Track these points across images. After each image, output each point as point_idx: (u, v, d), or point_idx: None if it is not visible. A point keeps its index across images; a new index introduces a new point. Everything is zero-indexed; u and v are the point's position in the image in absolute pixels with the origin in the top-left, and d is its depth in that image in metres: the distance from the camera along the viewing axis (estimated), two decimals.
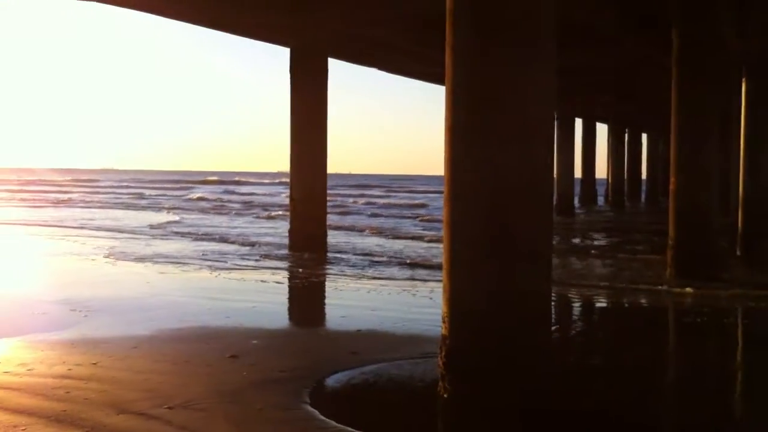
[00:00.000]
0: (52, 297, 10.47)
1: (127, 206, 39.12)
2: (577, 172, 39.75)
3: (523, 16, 5.63)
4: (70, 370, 6.49)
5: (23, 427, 5.00)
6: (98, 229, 23.85)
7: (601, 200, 46.37)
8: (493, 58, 5.61)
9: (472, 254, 5.71)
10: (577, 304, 11.46)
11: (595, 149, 44.14)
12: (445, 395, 5.78)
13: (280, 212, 31.23)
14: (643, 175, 52.72)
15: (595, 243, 21.97)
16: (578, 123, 40.69)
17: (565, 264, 15.69)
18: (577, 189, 39.63)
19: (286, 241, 18.19)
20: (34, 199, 44.12)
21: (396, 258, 16.45)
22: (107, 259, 15.48)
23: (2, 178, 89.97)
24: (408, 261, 15.85)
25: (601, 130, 45.32)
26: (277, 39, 18.29)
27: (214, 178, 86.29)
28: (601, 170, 46.85)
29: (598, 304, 11.73)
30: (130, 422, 5.18)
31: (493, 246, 5.62)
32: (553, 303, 8.52)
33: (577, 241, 22.32)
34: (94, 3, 14.74)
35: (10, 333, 8.04)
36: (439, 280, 12.00)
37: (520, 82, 5.63)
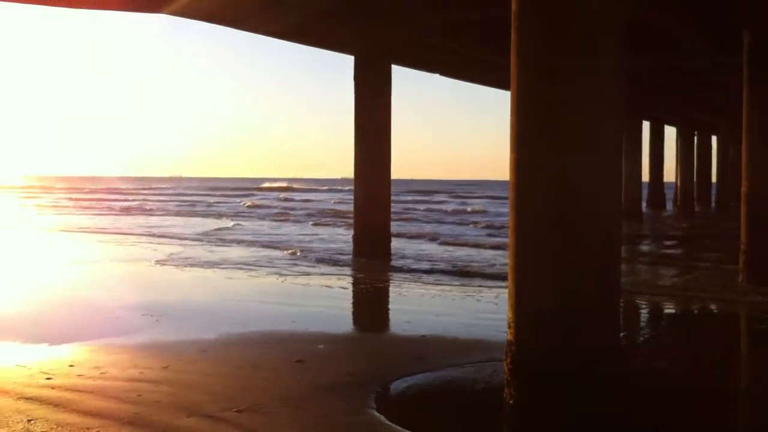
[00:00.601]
0: (124, 302, 10.74)
1: (192, 213, 39.79)
2: (645, 176, 38.99)
3: (591, 21, 5.56)
4: (141, 373, 6.64)
5: (96, 429, 5.11)
6: (163, 235, 24.34)
7: (669, 204, 45.40)
8: (559, 65, 5.56)
9: (538, 259, 5.67)
10: (645, 311, 11.26)
11: (663, 152, 43.24)
12: (511, 401, 5.74)
13: (344, 218, 31.43)
14: (713, 179, 51.45)
15: (664, 249, 21.54)
16: (645, 126, 39.94)
17: (632, 270, 15.42)
18: (645, 193, 38.88)
19: (350, 247, 18.29)
20: (101, 207, 45.29)
21: (459, 264, 16.39)
22: (175, 265, 15.80)
23: (72, 186, 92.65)
24: (470, 267, 15.78)
25: (669, 133, 44.43)
26: (341, 47, 18.45)
27: (283, 184, 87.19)
28: (670, 174, 45.88)
29: (667, 311, 11.50)
30: (200, 425, 5.27)
31: (560, 251, 5.56)
32: (621, 310, 8.40)
33: (645, 247, 21.91)
34: (167, 15, 15.10)
35: (84, 337, 8.26)
36: (503, 287, 11.98)
37: (586, 89, 5.57)
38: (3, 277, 13.98)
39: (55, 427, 5.10)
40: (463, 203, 50.55)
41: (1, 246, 21.73)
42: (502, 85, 25.17)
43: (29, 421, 5.20)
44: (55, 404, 5.63)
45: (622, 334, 8.55)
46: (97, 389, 6.12)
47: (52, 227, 28.20)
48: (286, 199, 57.64)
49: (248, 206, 46.85)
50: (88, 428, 5.14)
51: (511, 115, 5.86)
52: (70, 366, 6.80)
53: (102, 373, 6.60)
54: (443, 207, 44.83)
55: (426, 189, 77.26)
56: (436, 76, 24.36)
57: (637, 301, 11.61)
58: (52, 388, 6.07)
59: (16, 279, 13.48)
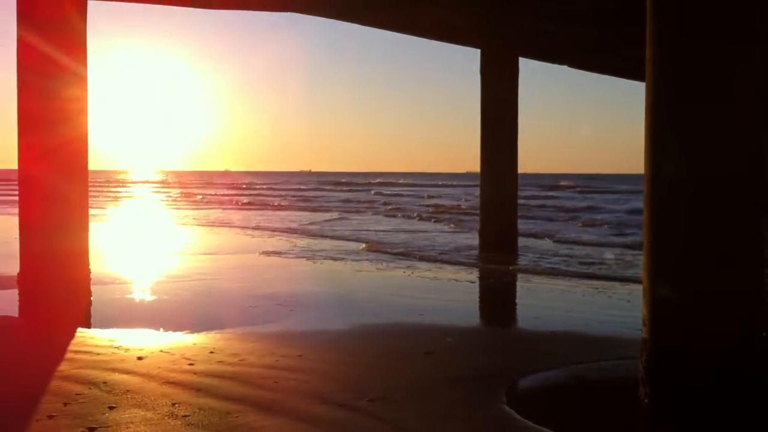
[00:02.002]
0: (258, 292, 11.14)
1: (318, 208, 40.60)
2: None
3: (734, 3, 5.34)
4: (277, 361, 6.85)
5: (236, 414, 5.30)
6: (292, 230, 24.97)
7: None
8: (699, 52, 5.37)
9: (676, 254, 5.50)
10: None
11: None
12: (647, 400, 5.60)
13: (468, 213, 31.35)
14: None
15: None
16: None
17: None
18: None
19: (475, 241, 18.25)
20: (228, 201, 46.90)
21: (587, 260, 16.07)
22: (305, 257, 16.22)
23: (204, 181, 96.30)
24: (599, 264, 15.45)
25: None
26: (467, 41, 18.40)
27: (405, 181, 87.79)
28: None
29: None
30: (333, 413, 5.39)
31: (699, 244, 5.38)
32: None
33: None
34: (289, 12, 15.47)
35: (223, 325, 8.62)
36: (633, 283, 11.68)
37: (728, 75, 5.35)
38: (146, 268, 14.74)
39: (197, 410, 5.31)
40: (586, 198, 49.34)
41: (142, 239, 22.92)
42: (635, 75, 24.40)
43: (173, 404, 5.43)
44: (197, 389, 5.85)
45: None
46: (236, 375, 6.34)
47: (186, 220, 29.50)
48: (408, 195, 57.97)
49: (380, 203, 47.39)
50: (228, 412, 5.33)
51: (647, 106, 5.71)
52: (211, 353, 7.08)
53: (240, 360, 6.84)
54: (567, 204, 43.88)
55: (551, 184, 75.91)
56: (564, 67, 23.88)
57: None
58: (194, 373, 6.33)
59: (158, 270, 14.17)
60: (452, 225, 27.30)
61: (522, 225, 20.20)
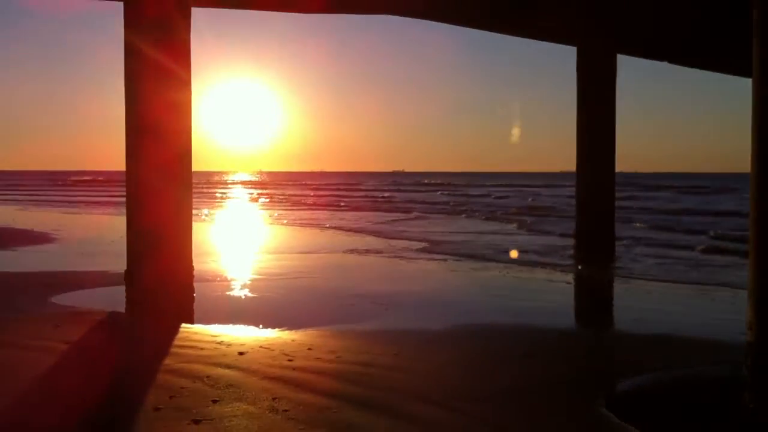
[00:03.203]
0: (354, 291, 11.28)
1: (405, 208, 40.68)
2: None
3: None
4: (373, 359, 6.93)
5: (335, 410, 5.38)
6: (381, 233, 25.10)
7: None
8: None
9: None
10: None
11: None
12: (751, 406, 5.43)
13: (562, 214, 30.88)
14: None
15: None
16: None
17: None
18: None
19: (568, 242, 17.99)
20: (322, 202, 47.51)
21: (688, 263, 15.63)
22: (400, 256, 16.31)
23: (299, 181, 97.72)
24: (700, 266, 14.99)
25: None
26: (564, 39, 18.13)
27: (504, 182, 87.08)
28: None
29: None
30: (431, 412, 5.41)
31: None
32: None
33: None
34: (389, 15, 15.60)
35: (320, 322, 8.78)
36: (737, 286, 11.27)
37: None
38: (244, 266, 15.10)
39: (296, 405, 5.41)
40: (686, 199, 47.82)
41: (239, 238, 23.49)
42: (739, 70, 23.55)
43: (274, 399, 5.55)
44: (296, 384, 5.96)
45: None
46: (334, 372, 6.43)
47: (280, 220, 30.09)
48: (509, 192, 57.54)
49: (473, 201, 47.20)
50: (326, 408, 5.41)
51: (754, 103, 5.53)
52: (309, 349, 7.21)
53: (337, 357, 6.94)
54: (667, 205, 42.63)
55: (653, 183, 73.91)
56: (664, 64, 23.23)
57: None
58: (294, 369, 6.44)
59: (255, 268, 14.50)
60: (546, 226, 27.00)
61: (619, 226, 19.76)
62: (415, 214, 35.21)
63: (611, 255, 16.54)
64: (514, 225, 27.45)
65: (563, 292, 12.25)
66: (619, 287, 12.61)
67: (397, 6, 15.18)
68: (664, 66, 23.53)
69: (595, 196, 17.27)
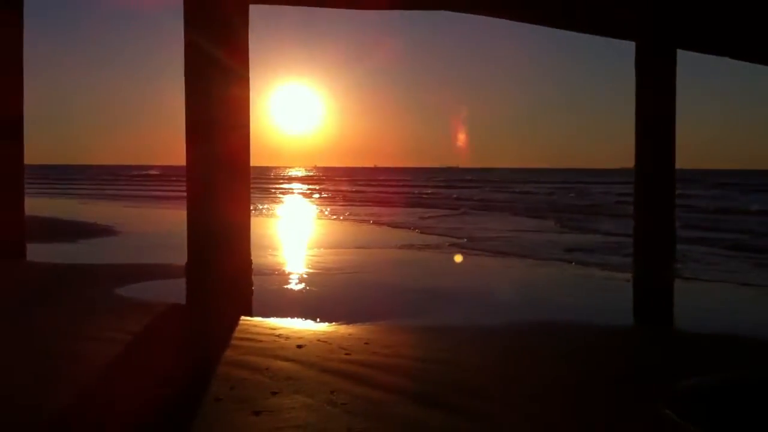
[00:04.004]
0: (410, 285, 11.35)
1: (453, 205, 40.54)
2: None
3: None
4: (430, 354, 6.95)
5: (391, 404, 5.40)
6: (431, 227, 25.10)
7: None
8: None
9: None
10: None
11: None
12: None
13: (615, 212, 30.50)
14: None
15: None
16: None
17: None
18: None
19: (623, 240, 17.76)
20: (374, 198, 47.63)
21: (751, 262, 15.31)
22: (457, 251, 16.32)
23: (352, 177, 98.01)
24: (762, 266, 14.68)
25: None
26: (623, 34, 17.85)
27: (557, 178, 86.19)
28: None
29: None
30: (485, 407, 5.40)
31: None
32: None
33: None
34: (444, 12, 15.56)
35: (378, 317, 8.85)
36: None
37: None
38: (300, 260, 15.27)
39: (354, 399, 5.46)
40: (752, 198, 46.57)
41: (295, 232, 23.72)
42: None
43: (332, 392, 5.61)
44: (354, 378, 6.01)
45: None
46: (390, 366, 6.46)
47: (335, 215, 30.29)
48: (568, 189, 56.92)
49: (533, 198, 46.83)
50: (383, 402, 5.44)
51: None
52: (366, 343, 7.27)
53: (394, 352, 6.98)
54: (729, 204, 41.64)
55: (719, 181, 72.28)
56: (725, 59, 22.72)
57: None
58: (351, 363, 6.50)
59: (311, 262, 14.65)
60: (601, 224, 26.68)
61: (679, 225, 19.39)
62: (462, 210, 35.10)
63: (671, 254, 16.26)
64: (554, 222, 27.11)
65: (621, 290, 12.11)
66: (679, 286, 12.42)
67: (460, 2, 15.14)
68: (725, 61, 23.00)
69: (654, 193, 16.98)
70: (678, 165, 17.36)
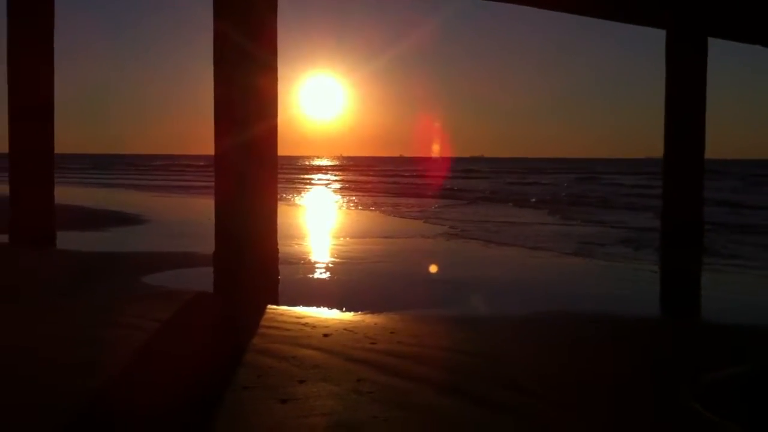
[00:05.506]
0: (435, 276, 11.36)
1: (471, 197, 40.36)
2: None
3: None
4: (456, 344, 6.94)
5: (417, 393, 5.39)
6: (458, 218, 25.04)
7: None
8: None
9: None
10: None
11: None
12: None
13: (645, 203, 30.25)
14: None
15: None
16: None
17: None
18: None
19: (649, 234, 17.62)
20: (397, 188, 47.60)
21: None
22: (482, 242, 16.28)
23: (377, 167, 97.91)
24: None
25: None
26: (653, 21, 17.68)
27: (580, 167, 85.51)
28: None
29: None
30: (515, 399, 5.37)
31: None
32: None
33: None
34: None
35: (403, 306, 8.87)
36: None
37: None
38: (326, 249, 15.32)
39: (380, 388, 5.46)
40: None
41: (320, 221, 23.79)
42: None
43: (358, 380, 5.62)
44: (379, 367, 6.01)
45: None
46: (416, 356, 6.46)
47: (359, 204, 30.33)
48: (592, 180, 56.48)
49: (562, 190, 46.52)
50: (409, 391, 5.44)
51: None
52: (391, 333, 7.27)
53: (419, 341, 6.97)
54: (755, 194, 41.04)
55: (741, 172, 71.40)
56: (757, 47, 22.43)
57: None
58: (377, 352, 6.50)
59: (337, 252, 14.69)
60: (631, 215, 26.48)
61: (707, 214, 19.20)
62: (474, 199, 34.99)
63: (699, 243, 16.12)
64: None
65: (649, 281, 12.03)
66: (707, 277, 12.31)
67: None
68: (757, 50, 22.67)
69: (683, 184, 16.85)
70: (707, 155, 17.22)
